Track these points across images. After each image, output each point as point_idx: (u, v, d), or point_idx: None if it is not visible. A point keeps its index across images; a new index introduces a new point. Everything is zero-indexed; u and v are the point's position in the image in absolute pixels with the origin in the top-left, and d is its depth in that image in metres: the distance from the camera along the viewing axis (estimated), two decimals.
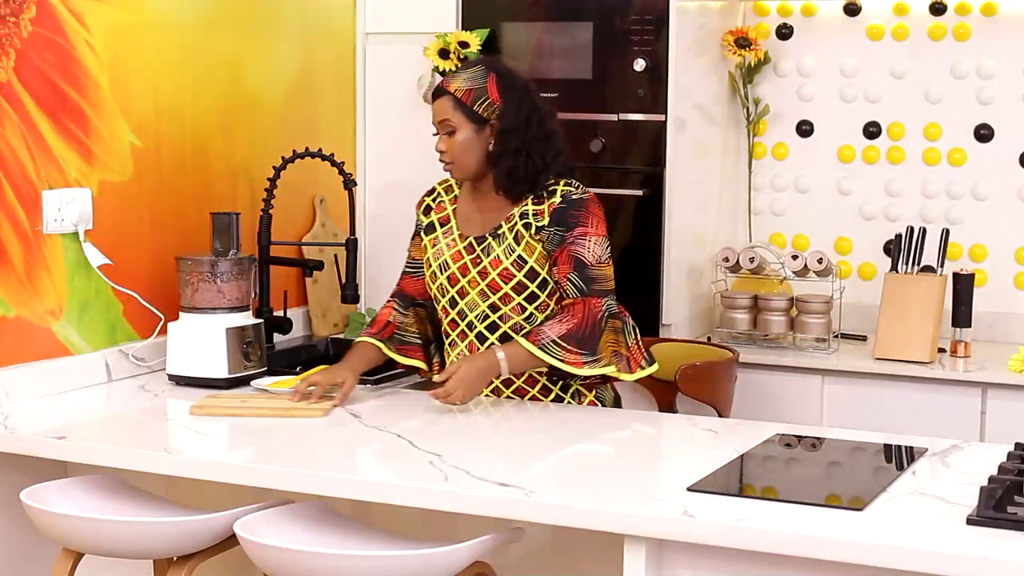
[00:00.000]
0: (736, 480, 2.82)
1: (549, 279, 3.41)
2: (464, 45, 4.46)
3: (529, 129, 3.42)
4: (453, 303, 3.47)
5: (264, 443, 3.14)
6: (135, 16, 3.80)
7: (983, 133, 4.61)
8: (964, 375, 4.13)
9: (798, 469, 3.04)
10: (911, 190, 4.71)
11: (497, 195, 3.46)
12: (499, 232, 3.44)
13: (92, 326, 3.70)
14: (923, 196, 4.69)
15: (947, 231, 4.40)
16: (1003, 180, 4.60)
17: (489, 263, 3.43)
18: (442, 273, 3.47)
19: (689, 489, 2.68)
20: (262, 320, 3.82)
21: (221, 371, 3.63)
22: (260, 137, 4.28)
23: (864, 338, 4.52)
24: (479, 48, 4.47)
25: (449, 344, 3.52)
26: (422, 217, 3.58)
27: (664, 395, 3.95)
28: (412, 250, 3.62)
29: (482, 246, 3.44)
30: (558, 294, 3.42)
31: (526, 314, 3.42)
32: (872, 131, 4.74)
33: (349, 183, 4.10)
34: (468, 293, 3.44)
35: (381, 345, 3.55)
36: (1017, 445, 2.89)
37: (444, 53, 4.47)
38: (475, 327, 3.45)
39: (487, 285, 3.43)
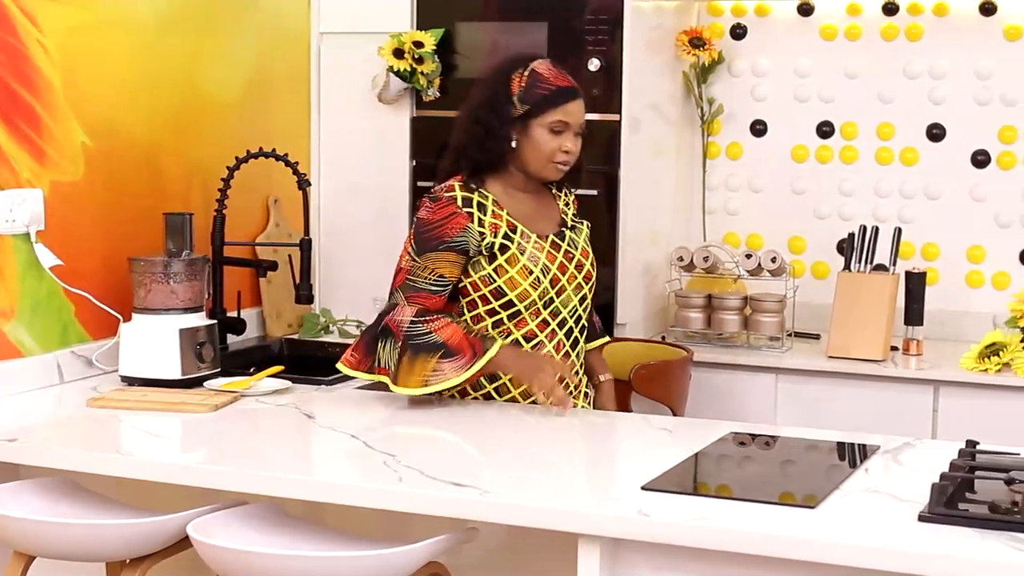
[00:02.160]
0: (690, 479, 2.83)
1: None
2: (419, 45, 4.46)
3: None
4: (548, 303, 3.41)
5: (217, 444, 3.12)
6: (88, 16, 3.77)
7: (935, 133, 4.64)
8: (916, 373, 4.15)
9: (752, 467, 3.05)
10: (864, 189, 4.73)
11: (541, 190, 3.51)
12: (571, 224, 3.52)
13: (44, 327, 3.67)
14: (876, 195, 4.72)
15: (900, 230, 4.43)
16: (955, 179, 4.63)
17: (580, 255, 3.47)
18: (545, 276, 3.40)
19: (643, 488, 2.68)
20: (215, 321, 3.81)
21: (174, 372, 3.61)
22: (214, 137, 4.26)
23: (817, 336, 4.55)
24: (434, 48, 4.47)
25: (533, 347, 3.42)
26: (475, 233, 3.36)
27: (619, 394, 3.95)
28: (439, 267, 3.37)
29: (565, 241, 3.46)
30: None
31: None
32: (825, 131, 4.77)
33: (303, 183, 4.09)
34: (566, 290, 3.43)
35: (471, 373, 3.33)
36: (968, 442, 2.91)
37: (399, 53, 4.46)
38: (566, 323, 3.45)
39: (583, 277, 3.47)
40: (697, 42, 4.70)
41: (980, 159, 4.60)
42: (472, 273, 3.40)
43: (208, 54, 4.26)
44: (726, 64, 4.82)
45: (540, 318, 3.42)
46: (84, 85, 3.76)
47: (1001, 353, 4.07)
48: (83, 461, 3.01)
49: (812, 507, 2.58)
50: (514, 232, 3.39)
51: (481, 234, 3.36)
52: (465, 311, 3.45)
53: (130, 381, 3.64)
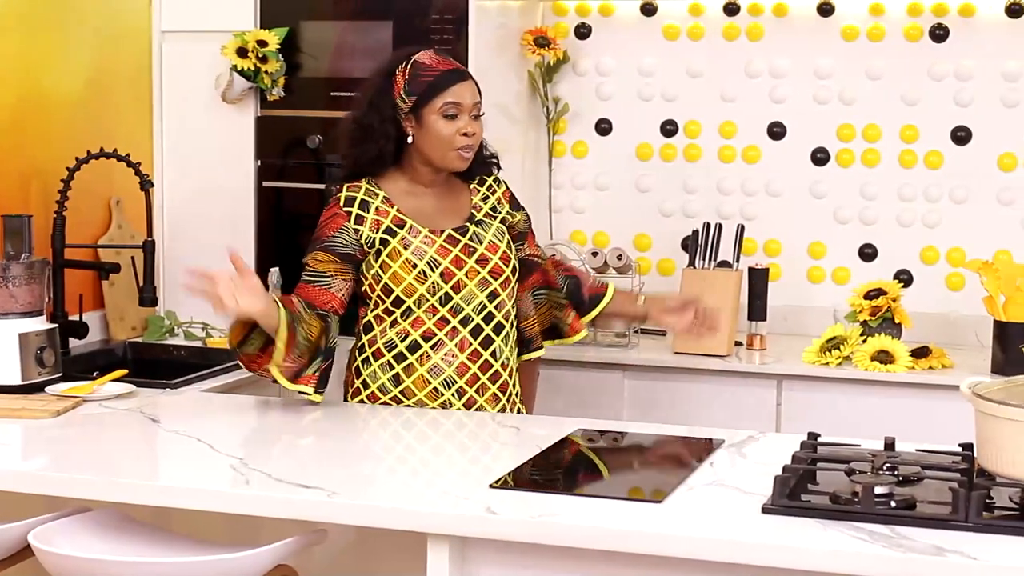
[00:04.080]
0: (539, 476, 2.84)
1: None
2: (262, 44, 4.42)
3: None
4: (446, 299, 3.38)
5: (59, 451, 3.06)
6: None
7: (776, 131, 4.72)
8: (760, 367, 4.22)
9: (600, 463, 3.08)
10: (707, 187, 4.80)
11: (453, 184, 3.50)
12: (478, 219, 3.47)
13: None
14: (719, 192, 4.78)
15: (742, 227, 4.49)
16: (796, 177, 4.71)
17: (486, 249, 3.42)
18: (433, 271, 3.36)
19: (491, 486, 2.69)
20: (56, 325, 3.73)
21: (14, 378, 3.53)
22: (53, 137, 4.18)
23: (663, 333, 4.59)
24: (278, 47, 4.43)
25: (432, 346, 3.38)
26: (350, 232, 3.37)
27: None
28: (316, 263, 3.39)
29: (467, 236, 3.42)
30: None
31: (513, 299, 3.50)
32: (669, 129, 4.82)
33: (146, 184, 4.03)
34: (466, 285, 3.39)
35: (283, 313, 3.23)
36: (810, 435, 2.96)
37: (242, 52, 4.42)
38: (471, 320, 3.40)
39: (489, 272, 3.42)
40: (542, 41, 4.73)
41: (820, 157, 4.69)
42: (367, 273, 3.40)
43: (45, 53, 4.18)
44: (571, 63, 4.85)
45: (438, 316, 3.38)
46: None
47: (842, 347, 4.16)
48: None
49: (659, 502, 2.61)
50: (400, 227, 3.38)
51: (357, 231, 3.36)
52: (368, 312, 3.45)
53: None
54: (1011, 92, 4.51)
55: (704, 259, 4.42)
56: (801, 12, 4.66)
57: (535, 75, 4.80)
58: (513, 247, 3.53)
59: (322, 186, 4.54)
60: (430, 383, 3.38)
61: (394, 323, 3.40)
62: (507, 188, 3.60)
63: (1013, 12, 4.47)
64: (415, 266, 3.36)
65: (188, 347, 4.32)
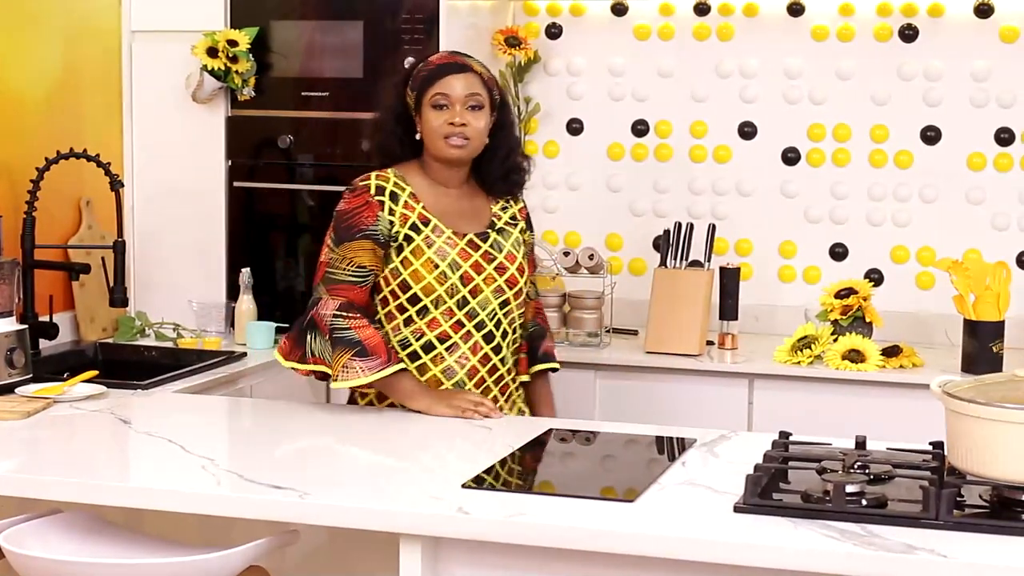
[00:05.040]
0: (511, 476, 2.84)
1: None
2: (233, 43, 4.41)
3: (515, 130, 3.51)
4: (463, 303, 3.36)
5: (30, 452, 3.05)
6: None
7: (747, 131, 4.73)
8: (732, 366, 4.23)
9: (573, 463, 3.08)
10: (678, 187, 4.81)
11: (476, 191, 3.47)
12: (499, 227, 3.45)
13: None
14: (690, 192, 4.79)
15: (713, 226, 4.50)
16: (766, 176, 4.73)
17: (504, 258, 3.41)
18: (454, 273, 3.34)
19: (464, 486, 2.69)
20: (27, 326, 3.71)
21: None
22: (22, 137, 4.16)
23: (635, 332, 4.60)
24: (248, 47, 4.42)
25: (447, 348, 3.36)
26: (386, 222, 3.33)
27: None
28: (359, 254, 3.33)
29: (488, 242, 3.40)
30: None
31: (521, 310, 3.49)
32: (640, 129, 4.83)
33: (116, 184, 4.02)
34: (482, 291, 3.37)
35: (382, 375, 3.27)
36: (781, 433, 2.97)
37: (212, 52, 4.41)
38: (485, 326, 3.38)
39: (505, 281, 3.40)
40: (513, 41, 4.73)
41: (790, 156, 4.70)
42: (384, 267, 3.36)
43: (13, 52, 4.16)
44: (542, 63, 4.85)
45: (454, 319, 3.36)
46: None
47: (813, 346, 4.17)
48: None
49: (631, 501, 2.61)
50: (425, 225, 3.35)
51: (391, 223, 3.33)
52: (379, 308, 3.40)
53: None
54: (980, 92, 4.54)
55: (675, 258, 4.43)
56: (771, 12, 4.68)
57: (506, 75, 4.80)
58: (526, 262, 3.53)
59: (293, 186, 4.54)
60: (442, 384, 3.37)
61: (408, 321, 3.38)
62: (524, 206, 3.57)
63: (982, 12, 4.50)
64: (436, 266, 3.34)
65: (159, 348, 4.30)
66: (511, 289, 3.42)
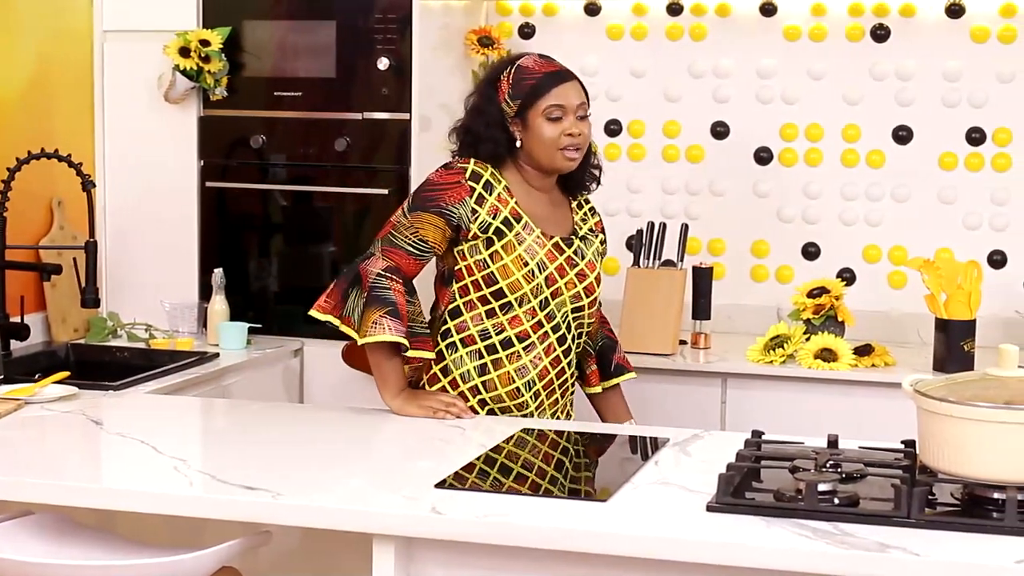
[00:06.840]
0: (484, 476, 2.84)
1: None
2: (205, 43, 4.40)
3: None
4: (544, 304, 3.35)
5: (2, 454, 3.03)
6: None
7: (719, 131, 4.74)
8: (705, 366, 4.24)
9: (546, 463, 3.08)
10: (651, 186, 4.81)
11: (561, 197, 3.48)
12: (582, 235, 3.45)
13: None
14: (663, 192, 4.80)
15: (686, 226, 4.50)
16: (739, 176, 4.73)
17: (586, 266, 3.42)
18: (540, 272, 3.34)
19: (437, 486, 2.69)
20: None
21: None
22: None
23: None
24: (221, 47, 4.41)
25: (525, 347, 3.36)
26: (469, 208, 3.32)
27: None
28: (425, 227, 3.33)
29: (571, 248, 3.41)
30: None
31: (592, 320, 3.50)
32: (614, 128, 4.83)
33: (87, 184, 4.00)
34: (562, 294, 3.37)
35: (406, 343, 3.29)
36: (754, 432, 2.98)
37: (185, 51, 4.40)
38: (559, 329, 3.38)
39: (584, 288, 3.41)
40: (486, 41, 4.72)
41: (763, 156, 4.71)
42: (468, 256, 3.34)
43: None
44: None
45: (535, 319, 3.36)
46: None
47: (785, 345, 4.18)
48: None
49: (604, 500, 2.61)
50: (517, 221, 3.34)
51: (475, 212, 3.32)
52: (457, 296, 3.38)
53: None
54: (951, 92, 4.55)
55: (648, 258, 4.43)
56: (744, 12, 4.68)
57: (479, 75, 4.80)
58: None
59: (266, 186, 4.53)
60: (514, 381, 3.37)
61: (491, 314, 3.36)
62: (600, 220, 3.57)
63: (953, 12, 4.51)
64: (526, 264, 3.33)
65: (131, 348, 4.29)
66: (588, 297, 3.44)
